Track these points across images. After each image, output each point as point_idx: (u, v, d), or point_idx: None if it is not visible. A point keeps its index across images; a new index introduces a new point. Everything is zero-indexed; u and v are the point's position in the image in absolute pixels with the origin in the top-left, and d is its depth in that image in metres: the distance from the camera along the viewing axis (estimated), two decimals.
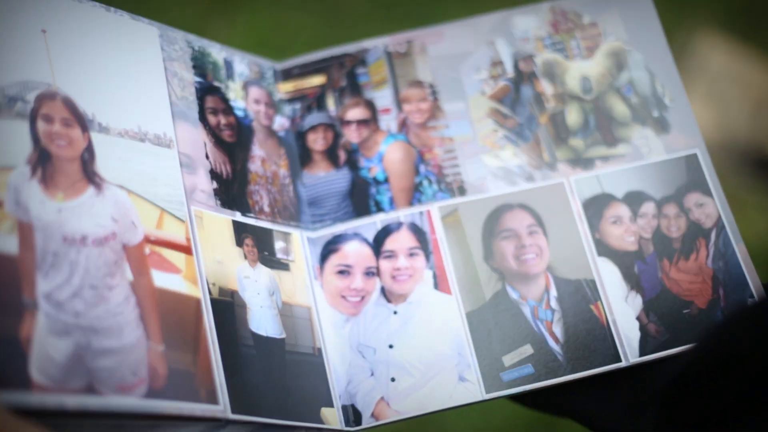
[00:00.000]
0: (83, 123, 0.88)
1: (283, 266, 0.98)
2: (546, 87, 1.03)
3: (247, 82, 1.03)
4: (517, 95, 1.03)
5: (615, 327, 0.94)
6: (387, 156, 1.02)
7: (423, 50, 1.05)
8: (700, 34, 2.59)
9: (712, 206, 0.98)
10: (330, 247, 1.00)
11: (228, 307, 0.91)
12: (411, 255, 0.99)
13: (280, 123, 1.04)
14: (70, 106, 0.88)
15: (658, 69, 1.03)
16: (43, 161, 0.85)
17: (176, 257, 0.89)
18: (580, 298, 0.96)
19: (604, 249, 0.97)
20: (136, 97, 0.93)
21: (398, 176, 1.01)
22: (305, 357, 0.95)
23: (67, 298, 0.81)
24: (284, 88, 1.05)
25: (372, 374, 0.95)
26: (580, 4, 1.06)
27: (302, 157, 1.04)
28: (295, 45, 2.24)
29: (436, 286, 0.97)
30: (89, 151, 0.88)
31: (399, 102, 1.04)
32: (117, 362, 0.82)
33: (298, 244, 0.99)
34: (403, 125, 1.03)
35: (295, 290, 0.97)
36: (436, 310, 0.97)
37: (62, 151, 0.86)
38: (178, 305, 0.87)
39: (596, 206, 0.98)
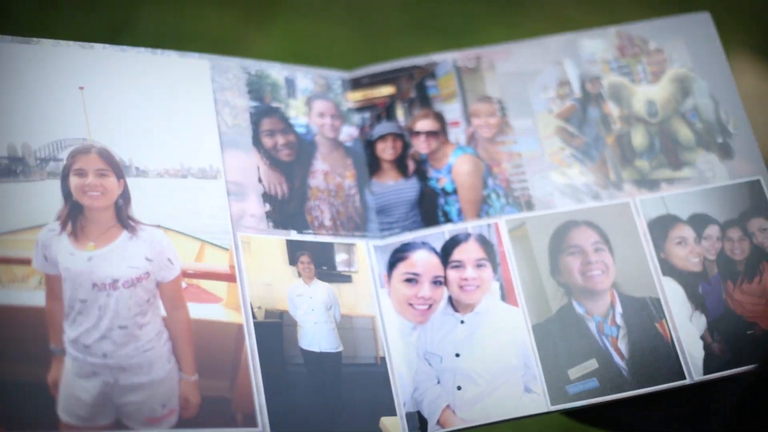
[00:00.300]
0: (118, 171, 0.91)
1: (344, 278, 0.99)
2: (613, 108, 1.06)
3: (311, 97, 1.04)
4: (584, 115, 1.05)
5: (679, 345, 0.96)
6: (456, 168, 1.04)
7: (491, 67, 1.07)
8: (734, 55, 2.60)
9: None
10: (398, 255, 1.01)
11: (275, 329, 0.93)
12: (479, 266, 1.00)
13: (348, 133, 1.05)
14: (105, 156, 0.90)
15: (722, 96, 1.05)
16: (74, 215, 0.87)
17: (217, 287, 0.91)
18: (645, 315, 0.97)
19: (668, 269, 0.99)
20: (180, 134, 0.95)
21: (467, 188, 1.03)
22: (365, 368, 0.96)
23: (94, 341, 0.84)
24: (353, 98, 1.07)
25: (438, 382, 0.96)
26: (647, 31, 1.08)
27: (371, 165, 1.05)
28: (331, 56, 2.26)
29: (504, 297, 0.99)
30: (124, 196, 0.90)
31: (468, 116, 1.06)
32: (146, 396, 0.84)
33: (363, 253, 1.01)
34: (472, 138, 1.05)
35: (357, 301, 0.98)
36: (502, 321, 0.98)
37: (95, 201, 0.89)
38: (217, 334, 0.89)
39: (661, 227, 1.00)
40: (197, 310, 0.89)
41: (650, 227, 1.01)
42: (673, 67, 1.07)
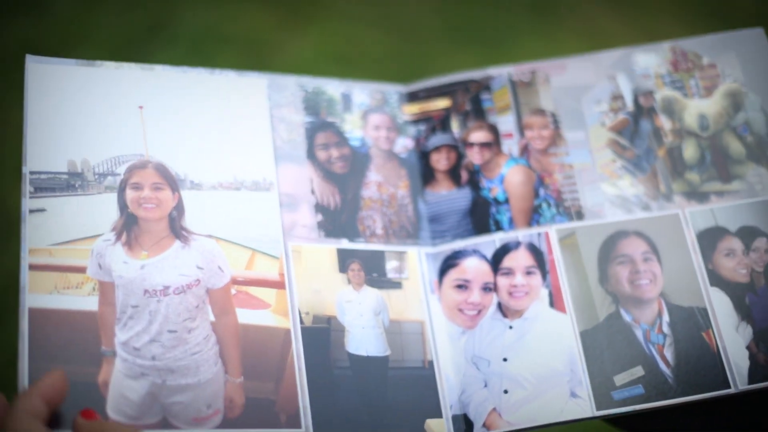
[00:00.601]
0: (174, 184, 0.96)
1: (394, 285, 1.02)
2: (664, 122, 1.08)
3: (367, 111, 1.09)
4: (636, 128, 1.08)
5: (725, 355, 0.98)
6: (508, 178, 1.07)
7: (546, 81, 1.10)
8: None
9: None
10: (449, 262, 1.04)
11: (322, 333, 0.97)
12: (528, 273, 1.03)
13: (403, 144, 1.09)
14: (161, 171, 0.96)
15: None
16: (128, 226, 0.93)
17: (266, 293, 0.96)
18: (691, 324, 0.99)
19: (716, 279, 1.01)
20: (235, 149, 1.01)
21: (518, 198, 1.06)
22: (413, 371, 0.99)
23: (144, 344, 0.89)
24: (409, 110, 1.11)
25: (485, 385, 0.99)
26: (700, 46, 1.10)
27: (425, 176, 1.09)
28: (367, 60, 2.30)
29: (552, 304, 1.02)
30: (178, 208, 0.95)
31: (521, 128, 1.09)
32: (192, 397, 0.89)
33: (414, 261, 1.04)
34: (525, 150, 1.08)
35: (407, 306, 1.02)
36: (550, 327, 1.01)
37: (150, 213, 0.94)
38: (264, 338, 0.94)
39: (710, 238, 1.02)
40: (245, 316, 0.94)
41: (699, 238, 1.03)
42: (726, 82, 1.09)
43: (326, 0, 2.59)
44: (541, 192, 1.07)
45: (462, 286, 1.04)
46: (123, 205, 0.94)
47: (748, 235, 1.02)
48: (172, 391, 0.89)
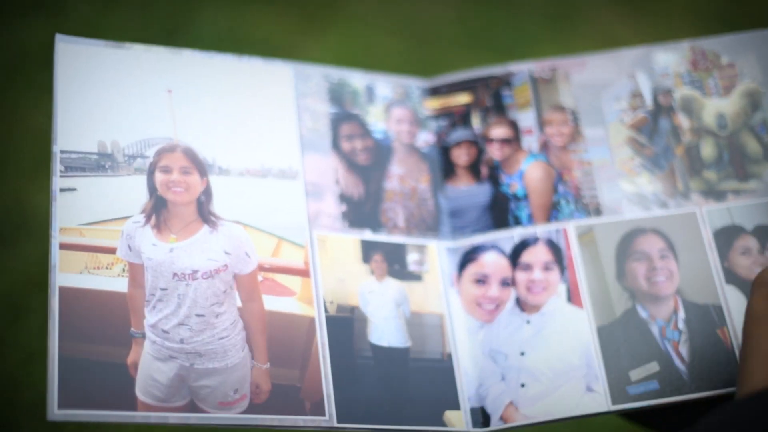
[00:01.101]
0: (202, 169, 0.98)
1: (415, 277, 1.05)
2: (683, 121, 1.10)
3: (390, 104, 1.11)
4: (655, 126, 1.10)
5: (739, 351, 0.99)
6: (527, 174, 1.09)
7: (566, 78, 1.12)
8: None
9: None
10: (469, 257, 1.07)
11: (346, 323, 0.99)
12: (546, 269, 1.05)
13: (425, 139, 1.11)
14: (189, 155, 0.98)
15: None
16: (158, 208, 0.95)
17: (292, 281, 0.99)
18: (707, 322, 1.01)
19: (732, 277, 1.03)
20: (262, 136, 1.03)
21: (537, 193, 1.08)
22: (432, 363, 1.02)
23: (172, 327, 0.91)
24: (431, 105, 1.13)
25: (503, 379, 1.02)
26: (719, 45, 1.12)
27: (445, 170, 1.11)
28: (384, 66, 2.35)
29: (569, 299, 1.04)
30: (206, 193, 0.98)
31: (541, 124, 1.11)
32: (219, 381, 0.91)
33: (434, 254, 1.07)
34: (545, 146, 1.10)
35: (427, 299, 1.04)
36: (567, 322, 1.03)
37: (179, 197, 0.96)
38: (289, 325, 0.96)
39: (726, 237, 1.04)
40: (272, 303, 0.97)
41: (715, 237, 1.05)
42: (744, 82, 1.11)
43: (344, 5, 2.63)
44: (560, 188, 1.09)
45: (481, 281, 1.06)
46: (152, 188, 0.96)
47: (764, 234, 1.04)
48: (200, 375, 0.91)
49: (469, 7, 2.61)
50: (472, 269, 1.06)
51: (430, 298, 1.05)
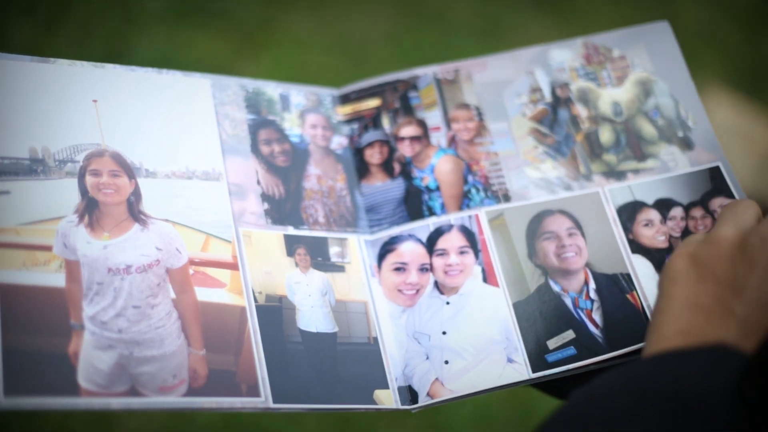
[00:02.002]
0: (130, 172, 1.05)
1: (338, 268, 1.11)
2: (581, 110, 1.18)
3: (304, 111, 1.18)
4: (555, 117, 1.18)
5: (649, 311, 1.06)
6: (438, 167, 1.16)
7: (469, 78, 1.20)
8: (708, 89, 2.85)
9: None
10: (387, 248, 1.13)
11: (275, 311, 1.06)
12: (461, 253, 1.12)
13: (338, 142, 1.18)
14: (118, 159, 1.05)
15: (682, 96, 1.18)
16: (90, 209, 1.01)
17: (221, 273, 1.05)
18: (617, 289, 1.08)
19: (637, 247, 1.10)
20: (185, 142, 1.10)
21: (448, 185, 1.15)
22: (359, 346, 1.07)
23: (110, 318, 0.97)
24: (342, 111, 1.20)
25: (427, 358, 1.07)
26: (610, 40, 1.21)
27: (360, 170, 1.18)
28: (319, 84, 2.49)
29: (485, 279, 1.10)
30: (135, 194, 1.04)
31: (448, 121, 1.19)
32: (158, 368, 0.97)
33: (355, 247, 1.13)
34: (452, 141, 1.18)
35: (351, 288, 1.11)
36: (485, 300, 1.09)
37: (109, 197, 1.03)
38: (222, 314, 1.03)
39: (629, 211, 1.12)
40: (203, 294, 1.02)
41: (619, 212, 1.12)
42: (636, 72, 1.20)
43: (280, 26, 2.74)
44: (470, 179, 1.16)
45: (400, 269, 1.12)
46: (84, 190, 1.01)
47: (664, 206, 1.12)
48: (139, 362, 0.96)
49: (400, 25, 2.71)
50: (391, 259, 1.12)
51: (354, 287, 1.10)
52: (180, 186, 1.07)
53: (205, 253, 1.05)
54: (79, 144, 1.03)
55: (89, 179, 1.02)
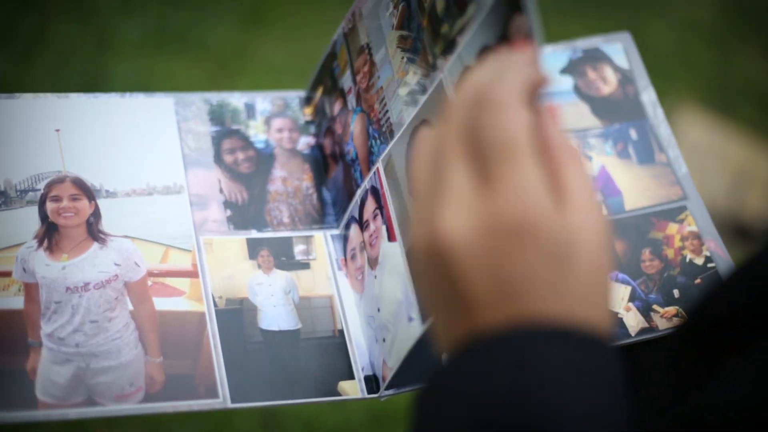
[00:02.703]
0: (90, 194, 1.12)
1: (302, 266, 1.13)
2: None
3: (270, 117, 1.21)
4: (410, 11, 1.04)
5: None
6: (353, 133, 1.11)
7: (360, 15, 1.12)
8: (681, 108, 2.95)
9: None
10: (344, 238, 1.12)
11: (235, 314, 1.10)
12: (375, 217, 1.05)
13: (305, 142, 1.19)
14: (78, 183, 1.13)
15: None
16: (50, 233, 1.09)
17: (181, 282, 1.11)
18: None
19: None
20: (146, 160, 1.16)
21: (359, 147, 1.10)
22: (323, 340, 1.09)
23: (68, 334, 1.05)
24: (308, 111, 1.20)
25: (376, 340, 1.04)
26: None
27: (325, 165, 1.17)
28: None
29: (389, 238, 1.03)
30: (95, 215, 1.12)
31: (354, 77, 1.12)
32: (114, 377, 1.04)
33: (321, 243, 1.13)
34: (358, 97, 1.11)
35: (315, 284, 1.12)
36: (390, 260, 1.02)
37: (69, 221, 1.11)
38: (180, 321, 1.08)
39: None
40: (162, 303, 1.08)
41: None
42: None
43: (254, 53, 2.88)
44: (370, 130, 1.08)
45: (354, 256, 1.10)
46: (44, 216, 1.10)
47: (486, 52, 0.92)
48: (96, 373, 1.03)
49: None
50: (347, 248, 1.11)
51: (319, 282, 1.11)
52: (140, 202, 1.14)
53: (164, 264, 1.11)
54: (40, 173, 1.12)
55: (49, 205, 1.10)
